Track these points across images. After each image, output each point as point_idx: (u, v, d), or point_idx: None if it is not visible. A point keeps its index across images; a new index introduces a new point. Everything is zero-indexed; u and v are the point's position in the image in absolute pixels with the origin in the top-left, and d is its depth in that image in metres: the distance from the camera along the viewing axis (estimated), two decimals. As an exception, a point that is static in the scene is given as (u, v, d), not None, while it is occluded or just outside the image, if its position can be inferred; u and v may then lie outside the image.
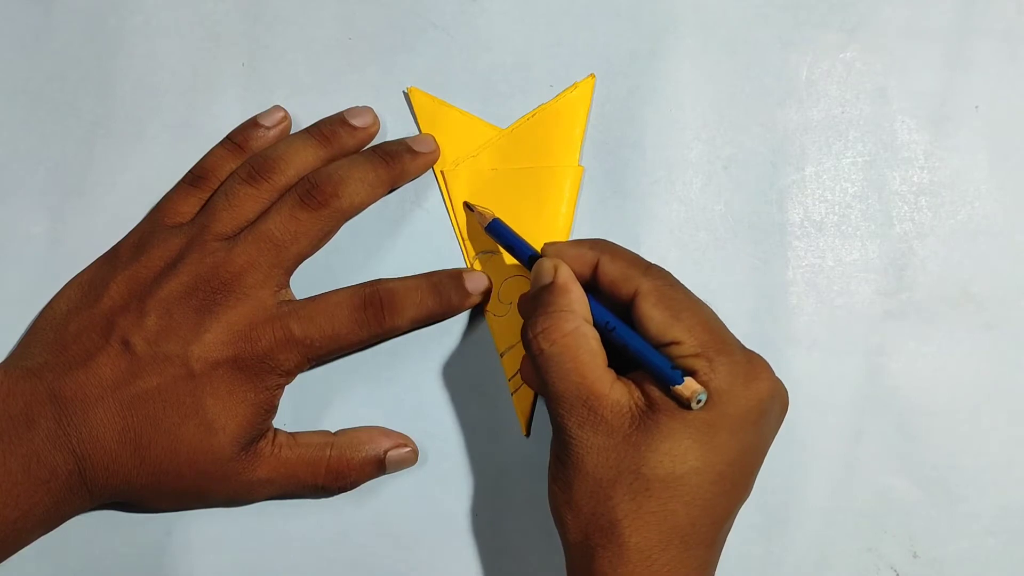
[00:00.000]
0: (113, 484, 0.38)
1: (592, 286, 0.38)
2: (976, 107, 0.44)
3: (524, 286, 0.43)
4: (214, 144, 0.44)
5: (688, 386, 0.34)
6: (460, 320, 0.43)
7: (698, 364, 0.35)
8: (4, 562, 0.38)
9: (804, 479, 0.42)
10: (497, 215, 0.42)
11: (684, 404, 0.34)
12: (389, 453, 0.41)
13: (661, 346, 0.35)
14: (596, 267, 0.38)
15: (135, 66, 0.45)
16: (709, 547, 0.35)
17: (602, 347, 0.36)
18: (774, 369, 0.36)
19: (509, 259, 0.43)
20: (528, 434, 0.43)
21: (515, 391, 0.43)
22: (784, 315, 0.43)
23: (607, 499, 0.34)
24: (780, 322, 0.43)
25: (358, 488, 0.42)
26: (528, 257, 0.40)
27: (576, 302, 0.37)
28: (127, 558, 0.42)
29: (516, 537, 0.42)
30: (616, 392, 0.35)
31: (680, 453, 0.34)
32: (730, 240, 0.44)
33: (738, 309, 0.43)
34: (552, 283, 0.37)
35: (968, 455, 0.42)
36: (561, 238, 0.43)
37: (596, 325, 0.37)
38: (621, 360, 0.36)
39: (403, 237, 0.44)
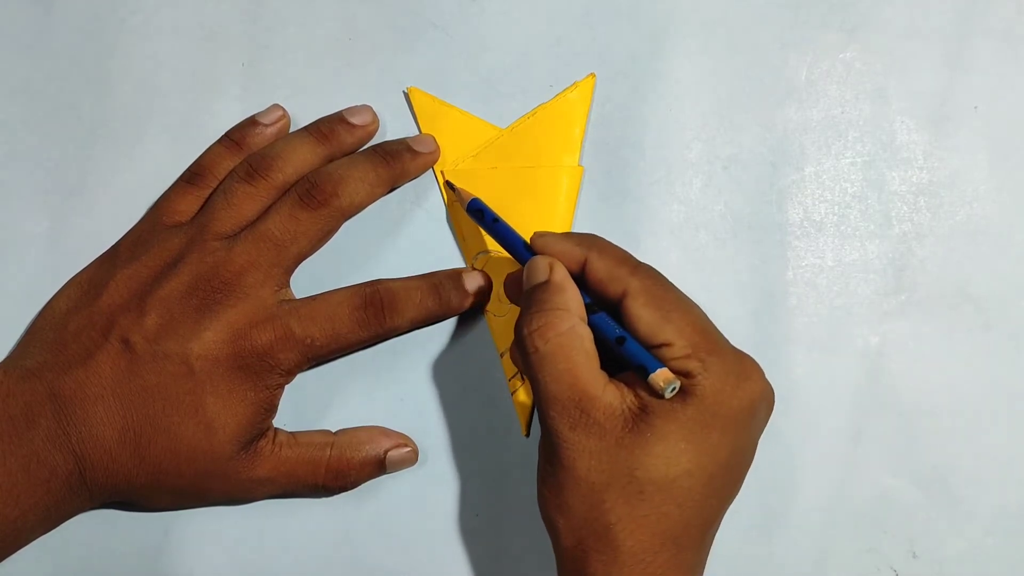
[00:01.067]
0: (113, 483, 0.38)
1: (580, 282, 0.37)
2: (976, 107, 0.44)
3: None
4: (214, 145, 0.44)
5: (660, 375, 0.34)
6: (460, 320, 0.43)
7: (690, 365, 0.34)
8: (4, 561, 0.38)
9: (804, 479, 0.42)
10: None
11: (657, 393, 0.34)
12: (389, 453, 0.41)
13: (652, 347, 0.35)
14: (584, 264, 0.37)
15: (135, 66, 0.45)
16: (699, 549, 0.35)
17: (595, 349, 0.36)
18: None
19: (509, 259, 0.43)
20: (528, 434, 0.43)
21: (515, 391, 0.43)
22: (784, 315, 0.43)
23: (600, 503, 0.34)
24: (780, 322, 0.43)
25: (358, 488, 0.42)
26: (513, 243, 0.39)
27: (572, 300, 0.36)
28: (127, 558, 0.42)
29: (516, 537, 0.42)
30: (609, 395, 0.35)
31: (674, 456, 0.34)
32: (730, 240, 0.44)
33: (738, 309, 0.43)
34: (547, 282, 0.37)
35: (967, 455, 0.42)
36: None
37: (599, 332, 0.36)
38: (613, 363, 0.36)
39: (403, 237, 0.44)
